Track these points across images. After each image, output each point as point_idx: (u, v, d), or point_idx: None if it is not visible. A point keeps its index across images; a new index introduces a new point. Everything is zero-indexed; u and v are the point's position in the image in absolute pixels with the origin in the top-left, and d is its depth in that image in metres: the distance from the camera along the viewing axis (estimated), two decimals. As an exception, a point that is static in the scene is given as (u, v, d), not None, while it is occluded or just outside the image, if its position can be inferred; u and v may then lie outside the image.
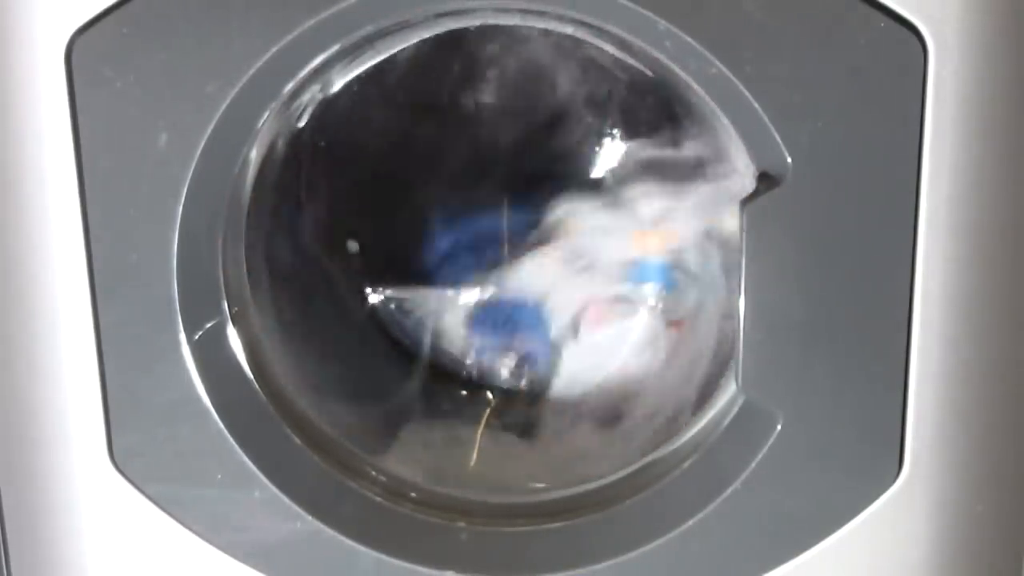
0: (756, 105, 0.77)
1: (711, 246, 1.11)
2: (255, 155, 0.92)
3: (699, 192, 1.14)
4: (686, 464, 0.92)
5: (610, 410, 1.11)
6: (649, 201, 1.17)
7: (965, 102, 0.77)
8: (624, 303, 1.14)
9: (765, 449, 0.85)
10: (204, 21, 0.79)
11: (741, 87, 0.77)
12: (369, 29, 0.84)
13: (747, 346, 0.82)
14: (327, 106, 1.03)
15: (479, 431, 1.10)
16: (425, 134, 1.21)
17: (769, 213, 0.79)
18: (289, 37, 0.79)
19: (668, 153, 1.18)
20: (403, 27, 0.90)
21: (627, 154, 1.21)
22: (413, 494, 0.96)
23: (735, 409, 0.90)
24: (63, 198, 0.83)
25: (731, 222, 1.07)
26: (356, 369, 1.13)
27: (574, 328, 1.15)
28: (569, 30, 0.92)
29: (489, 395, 1.16)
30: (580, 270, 1.17)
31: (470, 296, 1.18)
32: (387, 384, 1.14)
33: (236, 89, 0.80)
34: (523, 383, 1.17)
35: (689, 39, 0.76)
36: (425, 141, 1.21)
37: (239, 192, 0.92)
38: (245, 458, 0.88)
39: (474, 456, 1.06)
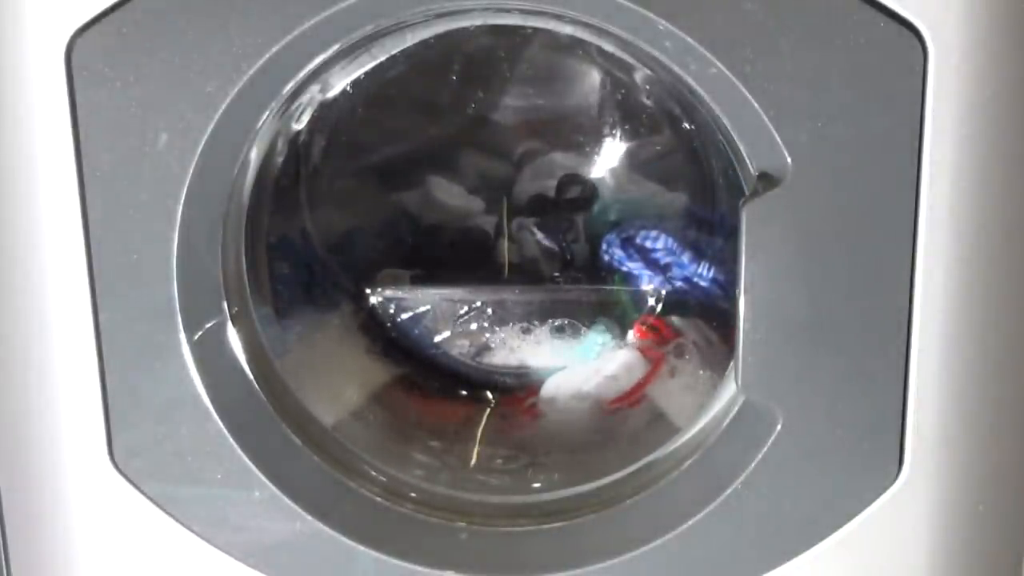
0: (756, 105, 0.77)
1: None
2: (255, 155, 0.92)
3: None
4: (686, 464, 0.92)
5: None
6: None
7: (965, 102, 0.77)
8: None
9: (765, 449, 0.85)
10: (204, 21, 0.79)
11: (741, 87, 0.77)
12: (369, 29, 0.84)
13: (747, 346, 0.82)
14: (326, 106, 1.03)
15: (479, 431, 1.10)
16: (424, 134, 1.21)
17: (769, 213, 0.79)
18: (289, 37, 0.79)
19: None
20: (402, 27, 0.90)
21: (626, 153, 1.22)
22: (413, 494, 0.96)
23: (735, 409, 0.90)
24: (63, 198, 0.83)
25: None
26: (356, 369, 1.13)
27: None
28: (569, 30, 0.92)
29: (489, 395, 1.16)
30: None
31: (470, 296, 1.18)
32: (387, 384, 1.14)
33: (236, 89, 0.80)
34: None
35: (689, 39, 0.76)
36: (424, 141, 1.21)
37: (239, 192, 0.92)
38: (245, 458, 0.88)
39: (474, 456, 1.06)
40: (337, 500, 0.93)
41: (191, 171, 0.82)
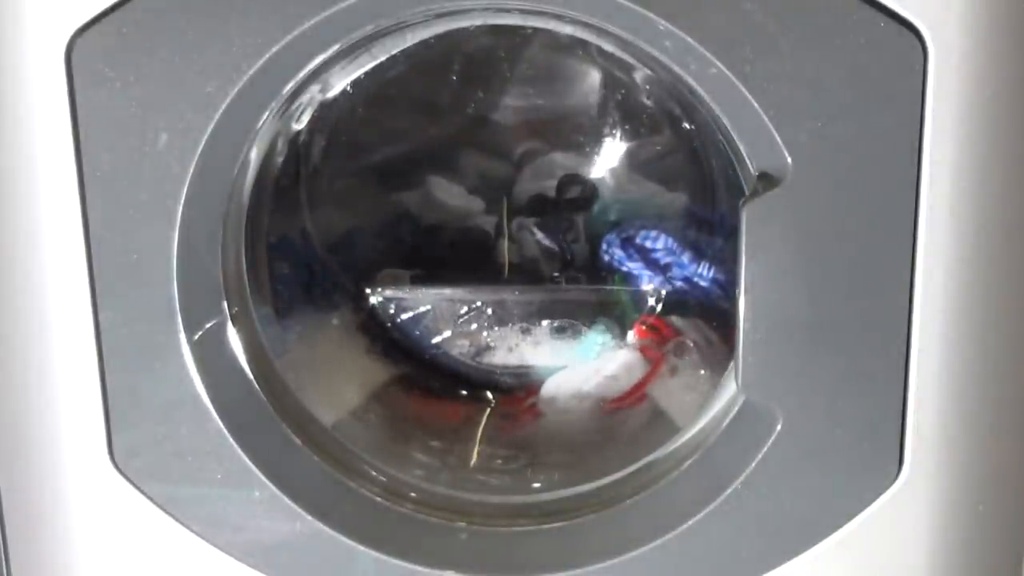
0: (756, 105, 0.77)
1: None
2: (255, 155, 0.92)
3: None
4: (686, 464, 0.92)
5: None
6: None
7: (965, 102, 0.76)
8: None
9: (765, 449, 0.84)
10: (204, 21, 0.79)
11: (741, 87, 0.77)
12: (369, 29, 0.84)
13: (747, 346, 0.82)
14: (326, 106, 1.03)
15: (479, 431, 1.10)
16: (424, 134, 1.21)
17: (769, 213, 0.79)
18: (289, 37, 0.79)
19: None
20: (402, 27, 0.90)
21: (626, 153, 1.21)
22: (413, 494, 0.96)
23: (735, 409, 0.90)
24: (63, 198, 0.83)
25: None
26: (356, 369, 1.13)
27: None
28: (569, 30, 0.92)
29: (489, 395, 1.16)
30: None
31: (470, 296, 1.18)
32: (387, 384, 1.14)
33: (236, 89, 0.80)
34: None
35: (689, 39, 0.76)
36: (424, 141, 1.21)
37: (239, 192, 0.92)
38: (245, 458, 0.88)
39: (474, 456, 1.06)
40: (337, 500, 0.93)
41: (191, 171, 0.82)
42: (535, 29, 1.04)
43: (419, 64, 1.05)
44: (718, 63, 0.76)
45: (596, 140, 1.21)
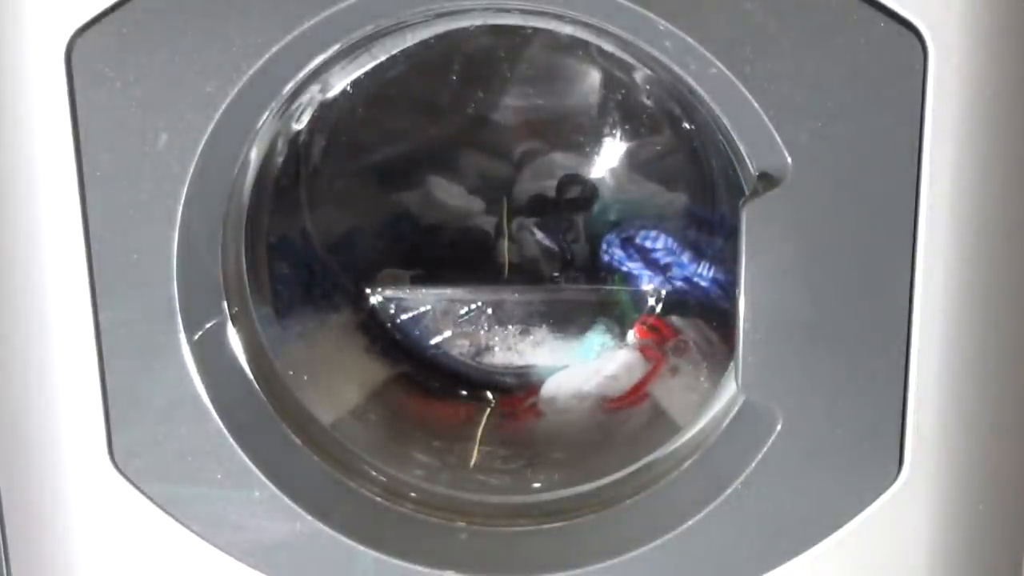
0: (756, 105, 0.77)
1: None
2: (255, 155, 0.92)
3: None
4: (686, 464, 0.92)
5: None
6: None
7: (965, 102, 0.77)
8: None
9: (765, 449, 0.85)
10: (204, 21, 0.79)
11: (741, 87, 0.77)
12: (369, 29, 0.84)
13: (747, 346, 0.82)
14: (326, 106, 1.03)
15: (479, 431, 1.10)
16: (424, 134, 1.21)
17: (769, 213, 0.79)
18: (289, 37, 0.79)
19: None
20: (402, 27, 0.90)
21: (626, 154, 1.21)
22: (413, 494, 0.96)
23: (735, 409, 0.90)
24: (63, 198, 0.83)
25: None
26: (356, 369, 1.13)
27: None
28: (569, 30, 0.92)
29: (489, 395, 1.16)
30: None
31: (470, 296, 1.18)
32: (387, 384, 1.14)
33: (236, 89, 0.80)
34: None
35: (689, 39, 0.76)
36: (424, 141, 1.21)
37: (239, 192, 0.92)
38: (245, 458, 0.88)
39: (474, 456, 1.06)
40: (337, 500, 0.93)
41: (191, 171, 0.82)
42: (535, 29, 1.04)
43: (419, 64, 1.05)
44: (718, 63, 0.76)
45: (596, 140, 1.21)
